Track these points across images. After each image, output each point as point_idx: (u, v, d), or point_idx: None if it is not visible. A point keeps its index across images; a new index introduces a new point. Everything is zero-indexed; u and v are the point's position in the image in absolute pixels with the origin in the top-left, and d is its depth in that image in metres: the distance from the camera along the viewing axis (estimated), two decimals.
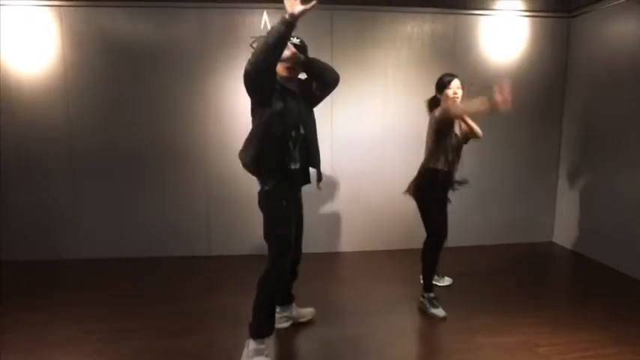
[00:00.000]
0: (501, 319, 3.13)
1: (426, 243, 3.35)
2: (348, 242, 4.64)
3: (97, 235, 4.36)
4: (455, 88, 3.26)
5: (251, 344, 2.58)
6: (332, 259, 4.43)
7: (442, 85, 3.30)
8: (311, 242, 4.49)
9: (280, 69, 2.57)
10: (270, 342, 2.68)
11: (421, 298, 3.38)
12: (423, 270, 3.37)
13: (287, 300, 3.07)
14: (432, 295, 3.33)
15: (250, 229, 4.33)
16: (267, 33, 2.31)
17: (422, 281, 3.42)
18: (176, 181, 4.35)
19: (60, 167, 4.25)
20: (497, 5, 4.49)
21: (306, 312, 3.14)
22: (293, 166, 2.59)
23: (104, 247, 4.36)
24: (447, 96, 3.26)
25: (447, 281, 3.78)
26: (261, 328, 2.58)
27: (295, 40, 2.60)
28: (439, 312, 3.25)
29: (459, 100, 3.27)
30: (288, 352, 2.87)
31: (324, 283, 3.80)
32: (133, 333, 2.92)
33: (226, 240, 4.47)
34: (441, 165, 3.18)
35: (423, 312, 3.31)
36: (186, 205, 4.39)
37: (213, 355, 2.74)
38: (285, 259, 2.59)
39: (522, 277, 3.97)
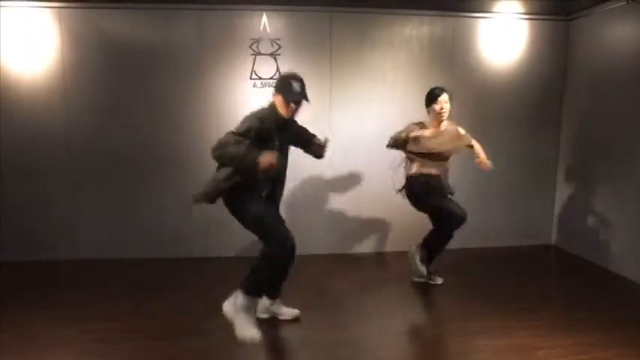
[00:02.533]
0: (500, 322, 3.11)
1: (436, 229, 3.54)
2: (346, 244, 4.63)
3: (95, 236, 4.35)
4: (442, 102, 3.33)
5: (240, 297, 2.64)
6: (330, 260, 4.42)
7: (430, 98, 3.39)
8: (310, 244, 4.50)
9: (284, 110, 2.83)
10: (256, 303, 2.72)
11: (414, 248, 3.57)
12: (429, 239, 3.54)
13: (273, 294, 3.06)
14: (426, 252, 3.53)
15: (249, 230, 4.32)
16: (244, 154, 2.56)
17: (422, 241, 3.57)
18: (175, 182, 4.34)
19: (59, 168, 4.24)
20: (496, 8, 4.50)
21: (288, 311, 3.11)
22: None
23: (102, 248, 4.35)
24: (434, 110, 3.37)
25: (439, 280, 3.77)
26: (256, 288, 2.68)
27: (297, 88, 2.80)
28: (423, 270, 3.51)
29: (446, 115, 3.37)
30: (285, 354, 2.87)
31: (323, 285, 3.79)
32: (131, 334, 2.90)
33: (225, 241, 4.45)
34: (414, 171, 3.47)
35: (410, 262, 3.59)
36: (185, 205, 4.36)
37: (212, 356, 2.73)
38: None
39: (521, 279, 3.95)
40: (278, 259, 2.67)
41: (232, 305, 2.63)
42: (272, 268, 2.68)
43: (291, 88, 2.78)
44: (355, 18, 4.34)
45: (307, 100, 2.85)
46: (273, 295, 3.07)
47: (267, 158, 2.55)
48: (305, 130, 3.07)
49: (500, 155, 4.72)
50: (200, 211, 4.34)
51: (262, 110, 2.83)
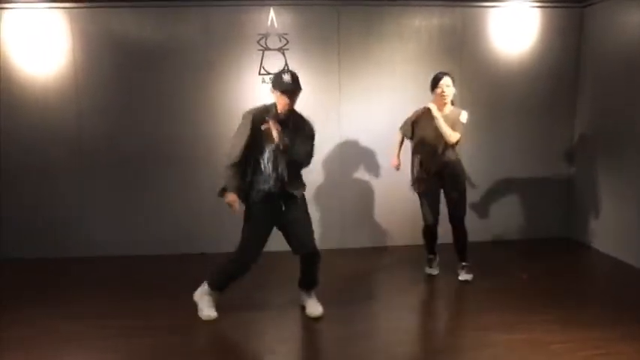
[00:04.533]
0: (514, 316, 3.08)
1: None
2: (357, 238, 4.61)
3: (105, 233, 4.40)
4: (443, 86, 3.36)
5: (205, 286, 3.09)
6: (341, 255, 4.42)
7: (433, 82, 3.44)
8: (320, 238, 4.49)
9: (280, 105, 2.90)
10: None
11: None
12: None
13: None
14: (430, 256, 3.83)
15: None
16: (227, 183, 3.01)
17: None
18: (184, 180, 4.37)
19: (70, 166, 4.30)
20: None
21: (311, 307, 3.12)
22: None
23: (113, 245, 4.39)
24: (436, 94, 3.41)
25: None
26: (216, 283, 3.08)
27: (287, 79, 2.84)
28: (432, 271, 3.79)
29: (448, 98, 3.39)
30: (297, 348, 2.88)
31: (333, 280, 3.78)
32: (143, 330, 2.94)
33: (234, 237, 4.45)
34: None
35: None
36: (194, 203, 4.40)
37: (222, 351, 2.76)
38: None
39: (536, 273, 3.88)
40: (234, 270, 3.05)
41: (199, 291, 3.11)
42: (228, 273, 3.06)
43: (281, 80, 2.84)
44: (363, 11, 4.30)
45: (298, 88, 2.87)
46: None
47: (229, 199, 2.95)
48: (305, 138, 2.98)
49: (513, 147, 4.68)
50: (213, 207, 4.40)
51: (258, 107, 2.98)
